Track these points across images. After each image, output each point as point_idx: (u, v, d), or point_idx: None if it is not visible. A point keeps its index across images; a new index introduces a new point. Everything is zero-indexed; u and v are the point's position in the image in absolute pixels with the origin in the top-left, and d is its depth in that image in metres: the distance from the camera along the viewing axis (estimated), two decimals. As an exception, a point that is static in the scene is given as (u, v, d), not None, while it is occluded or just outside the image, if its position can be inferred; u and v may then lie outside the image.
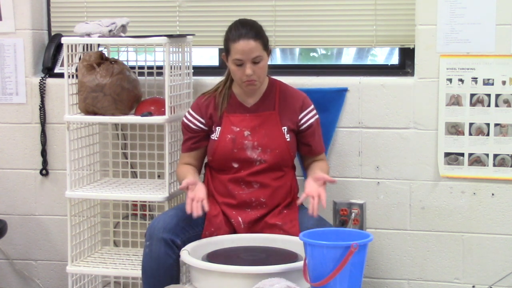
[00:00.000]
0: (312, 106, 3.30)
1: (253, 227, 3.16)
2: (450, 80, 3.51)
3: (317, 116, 3.29)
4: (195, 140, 3.27)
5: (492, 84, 3.47)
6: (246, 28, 3.11)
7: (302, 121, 3.25)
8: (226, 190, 3.20)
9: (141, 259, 3.08)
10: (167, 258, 2.99)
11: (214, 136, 3.22)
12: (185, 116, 3.28)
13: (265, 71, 3.18)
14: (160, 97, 3.59)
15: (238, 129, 3.19)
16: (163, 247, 2.98)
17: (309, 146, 3.28)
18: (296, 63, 4.15)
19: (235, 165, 3.19)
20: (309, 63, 4.14)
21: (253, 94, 3.23)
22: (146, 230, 3.10)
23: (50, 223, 3.99)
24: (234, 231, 3.17)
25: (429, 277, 3.64)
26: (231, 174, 3.20)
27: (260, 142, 3.18)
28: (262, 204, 3.18)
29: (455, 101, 3.52)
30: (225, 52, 3.18)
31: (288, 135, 3.21)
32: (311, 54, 4.13)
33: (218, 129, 3.21)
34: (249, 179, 3.18)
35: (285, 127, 3.21)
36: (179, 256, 2.99)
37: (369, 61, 4.06)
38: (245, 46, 3.07)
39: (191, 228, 3.09)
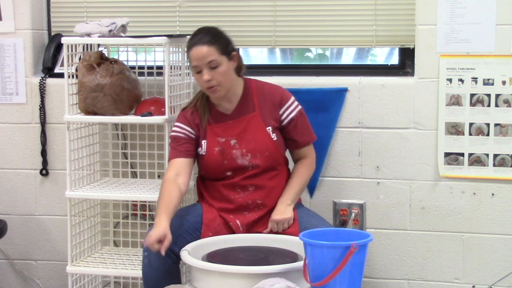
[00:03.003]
0: (292, 99, 3.23)
1: (251, 228, 3.16)
2: (450, 80, 3.51)
3: (299, 108, 3.23)
4: (189, 146, 3.18)
5: (492, 84, 3.47)
6: (199, 36, 3.09)
7: (283, 117, 3.20)
8: (221, 195, 3.18)
9: (141, 259, 3.08)
10: (167, 267, 2.99)
11: (202, 151, 3.17)
12: (174, 130, 3.21)
13: (227, 76, 3.09)
14: (160, 97, 3.58)
15: (223, 139, 3.15)
16: (161, 257, 2.95)
17: (294, 141, 3.24)
18: (296, 63, 4.14)
19: (228, 173, 3.16)
20: (309, 63, 4.13)
21: (228, 99, 3.17)
22: (145, 232, 3.10)
23: (50, 223, 3.99)
24: (232, 233, 3.16)
25: (429, 277, 3.64)
26: (225, 181, 3.17)
27: (248, 148, 3.14)
28: (259, 205, 3.17)
29: (455, 101, 3.52)
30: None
31: (273, 134, 3.17)
32: (306, 54, 4.12)
33: (204, 142, 3.17)
34: (244, 183, 3.16)
35: (270, 127, 3.17)
36: (178, 263, 2.99)
37: (369, 61, 4.05)
38: (198, 52, 3.05)
39: (189, 234, 3.08)
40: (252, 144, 3.14)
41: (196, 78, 3.11)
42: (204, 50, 3.04)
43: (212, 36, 3.09)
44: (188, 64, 3.16)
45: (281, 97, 3.21)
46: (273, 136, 3.17)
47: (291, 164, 3.33)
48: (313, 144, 3.47)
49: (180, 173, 3.12)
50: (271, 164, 3.17)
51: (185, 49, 3.12)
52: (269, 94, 3.21)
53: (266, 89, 3.23)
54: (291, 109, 3.21)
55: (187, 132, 3.18)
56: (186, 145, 3.18)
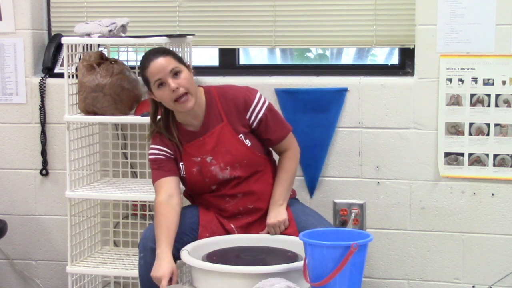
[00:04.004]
0: (257, 99, 3.11)
1: (247, 230, 3.14)
2: (450, 80, 3.51)
3: (265, 105, 3.11)
4: (172, 166, 3.10)
5: (492, 84, 3.47)
6: (153, 52, 3.02)
7: (251, 120, 3.11)
8: (212, 204, 3.16)
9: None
10: None
11: (182, 173, 3.12)
12: (152, 153, 3.11)
13: (192, 83, 3.01)
14: (160, 97, 3.58)
15: (199, 158, 3.09)
16: None
17: (268, 140, 3.17)
18: (296, 63, 4.14)
19: (213, 187, 3.12)
20: (309, 63, 4.14)
21: (194, 115, 3.07)
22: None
23: (50, 223, 3.99)
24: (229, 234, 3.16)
25: (429, 277, 3.64)
26: (212, 193, 3.14)
27: (225, 161, 3.08)
28: (251, 210, 3.15)
29: (455, 101, 3.52)
30: (147, 87, 3.06)
31: (247, 140, 3.10)
32: (306, 54, 4.13)
33: (181, 165, 3.11)
34: (231, 192, 3.12)
35: (241, 134, 3.09)
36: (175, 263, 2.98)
37: (369, 61, 4.06)
38: (157, 64, 2.96)
39: (185, 235, 3.06)
40: (228, 156, 3.08)
41: (160, 94, 2.99)
42: (163, 61, 2.97)
43: (163, 50, 3.04)
44: (147, 86, 3.06)
45: (245, 100, 3.09)
46: (247, 143, 3.10)
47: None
48: (313, 144, 3.47)
49: (172, 194, 3.04)
50: (253, 170, 3.12)
51: (142, 72, 3.04)
52: (232, 99, 3.11)
53: (229, 95, 3.11)
54: (258, 109, 3.11)
55: (166, 154, 3.11)
56: (170, 165, 3.11)
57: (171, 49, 3.40)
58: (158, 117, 3.15)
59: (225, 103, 3.11)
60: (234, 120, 3.10)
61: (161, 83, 2.98)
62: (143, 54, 3.08)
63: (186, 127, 3.12)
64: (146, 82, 3.04)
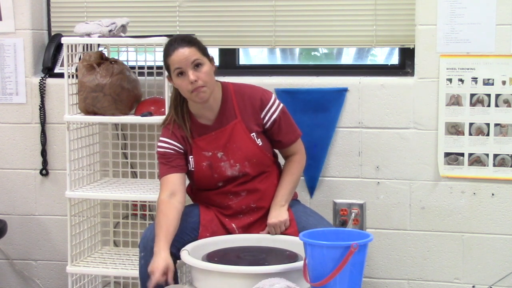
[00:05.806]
0: (272, 100, 3.15)
1: (248, 230, 3.14)
2: (450, 80, 3.51)
3: (280, 107, 3.15)
4: (180, 161, 3.11)
5: (492, 84, 3.47)
6: (176, 41, 3.02)
7: (265, 120, 3.13)
8: (214, 202, 3.16)
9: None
10: None
11: (190, 167, 3.12)
12: (161, 146, 3.11)
13: (211, 77, 3.02)
14: (160, 97, 3.59)
15: (210, 153, 3.09)
16: None
17: (279, 141, 3.18)
18: (296, 63, 4.14)
19: (220, 184, 3.13)
20: (309, 63, 4.14)
21: (209, 107, 3.08)
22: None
23: (50, 223, 3.99)
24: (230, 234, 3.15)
25: (429, 277, 3.64)
26: (217, 190, 3.14)
27: (236, 158, 3.09)
28: (253, 209, 3.15)
29: (455, 101, 3.52)
30: (167, 73, 3.07)
31: (258, 139, 3.12)
32: (313, 53, 4.12)
33: (191, 158, 3.11)
34: (236, 190, 3.13)
35: (253, 133, 3.11)
36: (176, 264, 2.98)
37: (369, 61, 4.06)
38: (181, 54, 2.96)
39: (186, 234, 3.06)
40: (238, 153, 3.09)
41: (178, 83, 3.00)
42: (186, 51, 2.97)
43: (189, 40, 3.04)
44: (168, 72, 3.06)
45: (261, 100, 3.13)
46: (259, 142, 3.12)
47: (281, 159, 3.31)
48: (313, 144, 3.47)
49: (175, 191, 3.04)
50: (261, 169, 3.14)
51: (164, 57, 3.03)
52: (249, 98, 3.13)
53: (246, 93, 3.14)
54: (273, 110, 3.14)
55: (176, 148, 3.11)
56: (177, 160, 3.10)
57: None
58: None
59: (241, 100, 3.13)
60: (249, 118, 3.12)
61: (181, 73, 2.99)
62: (169, 39, 3.08)
63: (199, 119, 3.12)
64: (167, 68, 3.05)
